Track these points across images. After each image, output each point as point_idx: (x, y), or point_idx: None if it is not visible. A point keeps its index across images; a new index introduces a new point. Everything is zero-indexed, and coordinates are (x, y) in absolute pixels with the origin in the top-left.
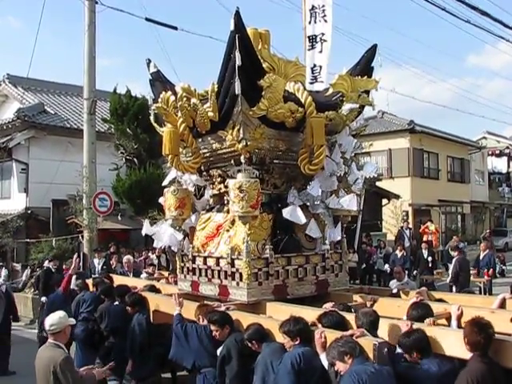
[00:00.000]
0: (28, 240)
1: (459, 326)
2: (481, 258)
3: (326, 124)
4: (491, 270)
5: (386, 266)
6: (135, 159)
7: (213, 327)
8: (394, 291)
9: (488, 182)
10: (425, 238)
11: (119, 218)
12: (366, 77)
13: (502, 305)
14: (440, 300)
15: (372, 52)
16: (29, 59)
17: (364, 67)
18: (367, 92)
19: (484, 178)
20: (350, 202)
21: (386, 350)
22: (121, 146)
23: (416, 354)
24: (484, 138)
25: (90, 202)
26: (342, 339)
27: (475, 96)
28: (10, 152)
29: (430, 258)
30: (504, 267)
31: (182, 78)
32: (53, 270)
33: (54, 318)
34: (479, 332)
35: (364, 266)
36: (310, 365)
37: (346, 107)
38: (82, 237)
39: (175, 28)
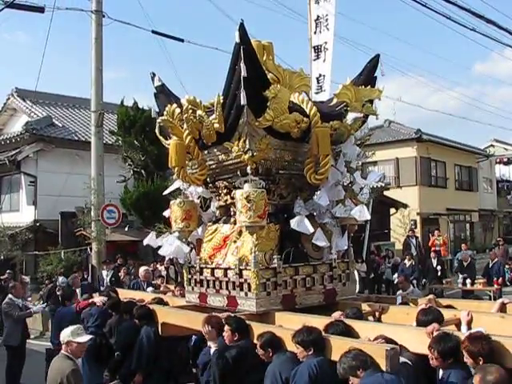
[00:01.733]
0: (37, 252)
1: None
2: (490, 266)
3: (330, 134)
4: (501, 278)
5: (395, 276)
6: (143, 171)
7: (226, 327)
8: (398, 301)
9: (496, 189)
10: (433, 249)
11: (127, 229)
12: (369, 86)
13: (502, 310)
14: (449, 306)
15: (375, 62)
16: (36, 73)
17: (367, 77)
18: (371, 101)
19: (492, 186)
20: (361, 213)
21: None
22: (128, 158)
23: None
24: (491, 145)
25: (98, 214)
26: (350, 353)
27: (482, 104)
28: (19, 165)
29: (439, 267)
30: None
31: (189, 90)
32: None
33: (62, 333)
34: (487, 343)
35: (372, 275)
36: (326, 374)
37: (351, 117)
38: (91, 249)
39: (181, 40)
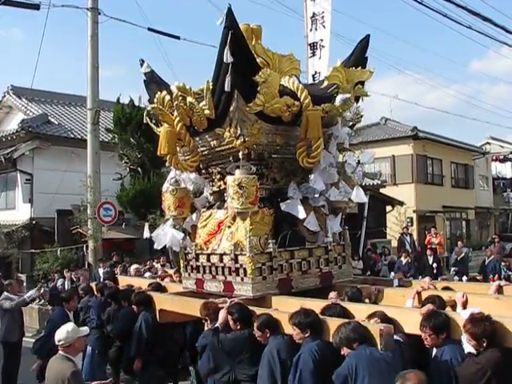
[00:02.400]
0: (33, 250)
1: None
2: (486, 263)
3: (322, 117)
4: (497, 275)
5: (392, 274)
6: (139, 169)
7: (229, 316)
8: (395, 284)
9: (492, 187)
10: (429, 246)
11: (123, 227)
12: (360, 68)
13: (498, 291)
14: (446, 288)
15: (365, 42)
16: (32, 70)
17: (358, 58)
18: (362, 83)
19: (488, 184)
20: (357, 196)
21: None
22: (124, 156)
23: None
24: (488, 143)
25: (95, 211)
26: (350, 324)
27: (478, 101)
28: (15, 163)
29: (435, 265)
30: (510, 273)
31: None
32: (74, 280)
33: (62, 333)
34: (490, 324)
35: (369, 273)
36: (327, 356)
37: (339, 98)
38: (87, 247)
39: (178, 37)
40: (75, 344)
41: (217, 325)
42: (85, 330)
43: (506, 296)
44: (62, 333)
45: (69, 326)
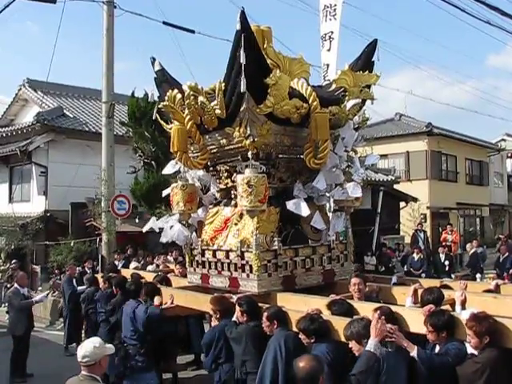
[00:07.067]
0: (47, 242)
1: None
2: (501, 261)
3: (329, 119)
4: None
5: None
6: (153, 162)
7: (238, 308)
8: (393, 281)
9: (507, 184)
10: (444, 244)
11: (137, 220)
12: (367, 71)
13: (496, 290)
14: (444, 286)
15: (373, 47)
16: (48, 64)
17: (365, 62)
18: (369, 86)
19: (503, 181)
20: (353, 190)
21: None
22: (139, 149)
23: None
24: (503, 139)
25: (109, 204)
26: (363, 321)
27: (494, 98)
28: (30, 155)
29: (446, 262)
30: None
31: (199, 80)
32: (88, 271)
33: (88, 348)
34: (494, 321)
35: (383, 269)
36: (339, 355)
37: (350, 103)
38: (101, 239)
39: (192, 31)
40: (101, 362)
41: (234, 319)
42: (111, 348)
43: (503, 295)
44: (87, 348)
45: (95, 342)
